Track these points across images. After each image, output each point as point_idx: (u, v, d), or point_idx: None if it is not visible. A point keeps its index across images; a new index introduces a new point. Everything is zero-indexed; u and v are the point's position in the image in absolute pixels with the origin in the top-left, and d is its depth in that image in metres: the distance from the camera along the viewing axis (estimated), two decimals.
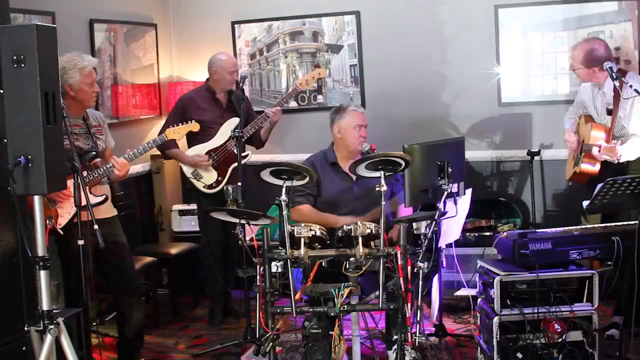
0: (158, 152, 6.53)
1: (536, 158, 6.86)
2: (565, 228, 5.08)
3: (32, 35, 3.36)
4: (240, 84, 6.15)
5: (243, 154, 5.95)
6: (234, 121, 6.31)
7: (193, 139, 6.34)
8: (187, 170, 6.42)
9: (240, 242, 4.83)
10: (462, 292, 6.03)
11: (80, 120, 5.15)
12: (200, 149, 6.36)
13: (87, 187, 4.58)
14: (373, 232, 4.53)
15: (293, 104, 6.76)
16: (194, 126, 5.74)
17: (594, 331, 4.64)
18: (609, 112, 5.62)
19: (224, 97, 6.51)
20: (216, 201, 6.27)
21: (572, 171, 5.79)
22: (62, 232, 4.86)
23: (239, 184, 5.40)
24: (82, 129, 5.14)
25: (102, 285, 5.44)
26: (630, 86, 5.38)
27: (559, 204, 7.06)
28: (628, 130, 5.57)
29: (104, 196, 5.10)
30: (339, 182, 5.57)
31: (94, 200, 4.93)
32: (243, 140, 5.88)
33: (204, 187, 6.37)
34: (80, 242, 4.44)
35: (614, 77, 5.42)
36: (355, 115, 5.58)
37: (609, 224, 5.10)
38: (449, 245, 5.56)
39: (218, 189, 6.32)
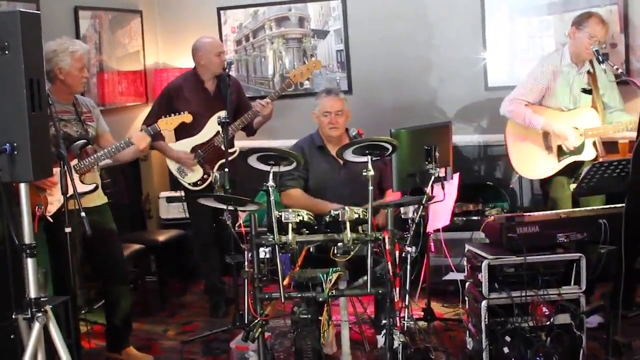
0: None
1: None
2: (553, 211, 5.10)
3: (16, 21, 3.33)
4: (227, 70, 6.05)
5: (231, 150, 5.94)
6: (222, 114, 6.05)
7: (180, 131, 6.04)
8: (172, 166, 6.28)
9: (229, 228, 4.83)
10: (450, 277, 6.04)
11: (70, 106, 5.14)
12: (187, 144, 6.20)
13: (76, 175, 4.57)
14: (361, 216, 4.53)
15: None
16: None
17: (582, 314, 4.66)
18: (589, 92, 5.64)
19: (212, 84, 6.32)
20: None
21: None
22: (51, 220, 4.85)
23: (226, 170, 5.38)
24: (71, 115, 5.13)
25: (90, 273, 5.44)
26: (617, 69, 5.45)
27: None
28: (613, 107, 5.67)
29: (95, 185, 5.09)
30: (326, 166, 5.58)
31: (83, 188, 4.93)
32: (229, 128, 5.76)
33: (188, 184, 6.24)
34: (68, 230, 4.43)
35: (600, 60, 5.44)
36: (325, 101, 5.58)
37: (595, 207, 5.12)
38: (437, 230, 5.56)
39: (203, 186, 6.17)
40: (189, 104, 6.01)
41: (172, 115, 5.49)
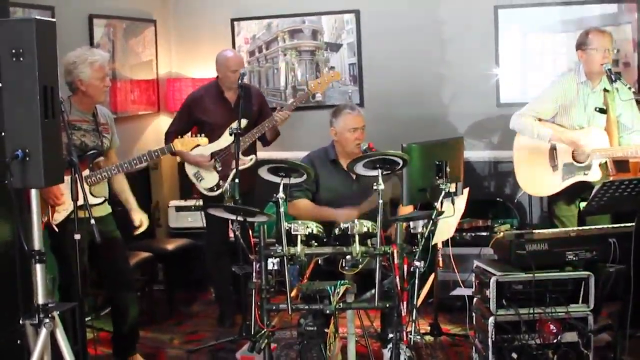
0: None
1: None
2: (562, 229, 5.09)
3: (31, 29, 3.36)
4: (239, 81, 6.09)
5: (247, 158, 6.05)
6: (234, 125, 6.09)
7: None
8: (190, 171, 6.32)
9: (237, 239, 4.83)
10: (458, 292, 6.02)
11: (90, 117, 5.17)
12: (205, 150, 6.21)
13: (86, 186, 4.59)
14: (370, 230, 4.53)
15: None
16: (203, 141, 5.62)
17: (589, 332, 4.64)
18: (603, 112, 5.63)
19: (234, 94, 6.32)
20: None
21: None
22: (57, 229, 4.87)
23: (237, 180, 5.39)
24: (90, 125, 5.16)
25: (97, 280, 5.45)
26: (630, 88, 5.44)
27: None
28: (631, 128, 5.65)
29: (103, 198, 5.12)
30: (338, 180, 5.58)
31: (92, 201, 4.94)
32: (240, 137, 5.79)
33: (204, 189, 6.26)
34: (77, 237, 4.43)
35: (613, 78, 5.44)
36: (350, 118, 5.57)
37: (604, 226, 5.10)
38: (446, 245, 5.55)
39: (218, 192, 6.18)
40: (209, 113, 6.22)
41: (191, 136, 5.63)
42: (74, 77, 5.00)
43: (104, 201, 5.13)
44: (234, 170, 5.63)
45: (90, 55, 5.05)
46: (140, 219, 5.45)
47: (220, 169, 6.19)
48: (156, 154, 5.38)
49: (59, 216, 4.92)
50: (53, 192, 4.86)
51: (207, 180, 6.25)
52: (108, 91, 5.41)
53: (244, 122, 5.96)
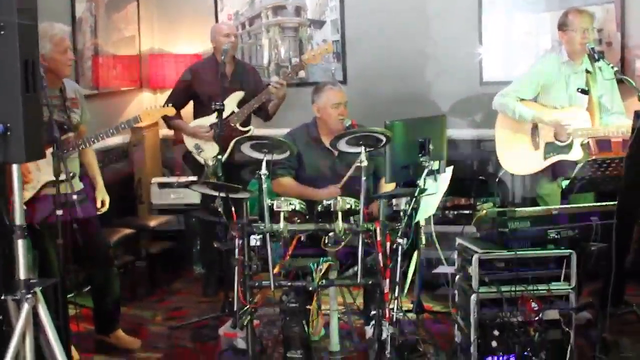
0: (139, 125, 6.44)
1: None
2: (545, 207, 5.10)
3: (12, 2, 3.31)
4: (222, 57, 6.12)
5: (244, 129, 6.25)
6: (238, 95, 6.32)
7: (197, 112, 6.42)
8: (190, 143, 6.39)
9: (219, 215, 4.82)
10: (440, 270, 6.03)
11: (57, 92, 5.08)
12: (203, 122, 6.34)
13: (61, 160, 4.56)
14: (353, 207, 4.53)
15: (275, 79, 6.70)
16: (170, 110, 5.67)
17: (571, 310, 4.66)
18: (585, 92, 5.64)
19: (230, 68, 6.43)
20: None
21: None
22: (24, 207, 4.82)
23: (219, 157, 5.38)
24: (57, 100, 5.06)
25: (76, 256, 5.42)
26: (612, 67, 5.44)
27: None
28: (611, 110, 5.63)
29: (72, 173, 5.03)
30: (320, 157, 5.56)
31: (62, 177, 4.89)
32: (222, 113, 5.77)
33: (204, 161, 6.21)
34: (59, 212, 4.43)
35: (596, 58, 5.45)
36: (332, 94, 5.54)
37: (587, 204, 5.12)
38: (428, 222, 5.55)
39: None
40: (208, 86, 6.33)
41: (157, 107, 5.66)
42: None
43: (73, 175, 5.06)
44: (233, 143, 5.68)
45: (50, 29, 4.92)
46: (102, 199, 5.41)
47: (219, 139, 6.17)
48: (122, 126, 5.28)
49: (27, 194, 4.84)
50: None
51: (208, 151, 6.27)
52: (72, 66, 5.30)
53: (240, 94, 6.24)
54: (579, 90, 5.65)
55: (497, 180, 6.84)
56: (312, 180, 5.50)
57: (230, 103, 6.26)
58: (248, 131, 6.28)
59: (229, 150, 6.15)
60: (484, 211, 5.17)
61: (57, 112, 5.02)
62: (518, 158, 5.85)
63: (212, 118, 6.15)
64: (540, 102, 5.77)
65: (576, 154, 5.65)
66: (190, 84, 6.44)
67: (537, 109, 5.72)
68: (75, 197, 4.32)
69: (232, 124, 6.25)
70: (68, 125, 5.08)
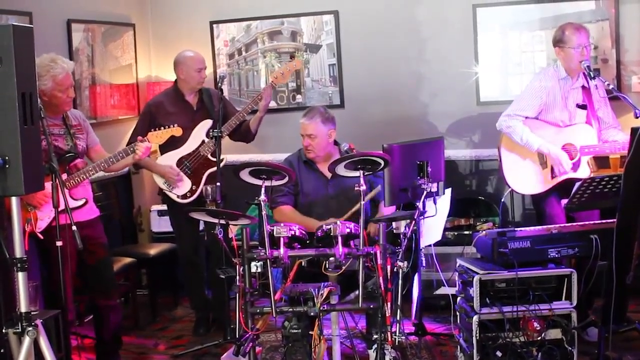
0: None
1: None
2: (544, 227, 5.10)
3: (9, 35, 3.33)
4: (219, 84, 6.04)
5: (214, 159, 5.85)
6: (206, 124, 6.09)
7: (165, 144, 5.85)
8: (159, 180, 6.16)
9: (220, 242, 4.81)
10: (441, 291, 6.04)
11: (59, 121, 5.11)
12: (173, 156, 6.10)
13: (66, 189, 4.56)
14: (352, 231, 4.53)
15: (272, 104, 6.68)
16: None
17: (573, 329, 4.66)
18: (583, 107, 5.64)
19: (194, 98, 6.22)
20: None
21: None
22: (42, 237, 4.83)
23: (218, 184, 5.37)
24: (61, 129, 5.10)
25: (80, 286, 5.42)
26: (608, 84, 5.47)
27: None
28: (608, 122, 5.69)
29: (84, 200, 5.07)
30: (313, 180, 5.58)
31: (74, 204, 4.90)
32: (222, 138, 5.75)
33: (177, 197, 6.11)
34: (59, 244, 4.41)
35: (592, 75, 5.45)
36: (301, 123, 5.57)
37: (586, 222, 5.12)
38: (428, 244, 5.56)
39: (192, 198, 6.07)
40: (171, 118, 5.91)
41: (163, 128, 5.44)
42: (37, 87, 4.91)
43: (85, 202, 5.08)
44: (210, 169, 5.63)
45: (53, 67, 4.90)
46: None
47: (190, 173, 6.09)
48: (121, 155, 5.22)
49: (42, 223, 4.88)
50: (38, 196, 4.80)
51: (179, 187, 6.11)
52: (71, 101, 5.24)
53: (209, 123, 6.00)
54: (578, 105, 5.65)
55: (501, 200, 6.79)
56: (307, 203, 5.53)
57: (199, 133, 6.08)
58: (221, 161, 5.83)
59: (202, 184, 6.03)
60: (484, 231, 5.17)
61: (63, 140, 5.05)
62: (526, 177, 5.78)
63: (181, 152, 6.09)
64: (543, 119, 5.73)
65: (584, 172, 5.61)
66: (155, 117, 6.07)
67: (545, 131, 5.65)
68: (74, 228, 4.30)
69: (203, 154, 6.08)
70: (74, 151, 5.09)
